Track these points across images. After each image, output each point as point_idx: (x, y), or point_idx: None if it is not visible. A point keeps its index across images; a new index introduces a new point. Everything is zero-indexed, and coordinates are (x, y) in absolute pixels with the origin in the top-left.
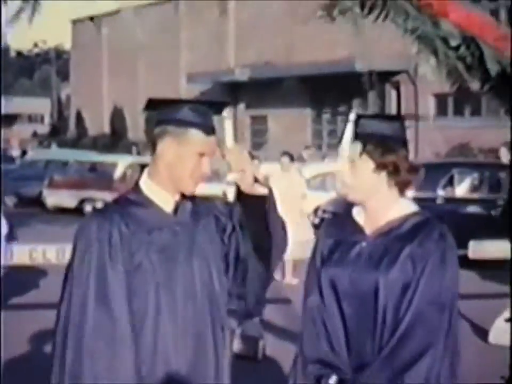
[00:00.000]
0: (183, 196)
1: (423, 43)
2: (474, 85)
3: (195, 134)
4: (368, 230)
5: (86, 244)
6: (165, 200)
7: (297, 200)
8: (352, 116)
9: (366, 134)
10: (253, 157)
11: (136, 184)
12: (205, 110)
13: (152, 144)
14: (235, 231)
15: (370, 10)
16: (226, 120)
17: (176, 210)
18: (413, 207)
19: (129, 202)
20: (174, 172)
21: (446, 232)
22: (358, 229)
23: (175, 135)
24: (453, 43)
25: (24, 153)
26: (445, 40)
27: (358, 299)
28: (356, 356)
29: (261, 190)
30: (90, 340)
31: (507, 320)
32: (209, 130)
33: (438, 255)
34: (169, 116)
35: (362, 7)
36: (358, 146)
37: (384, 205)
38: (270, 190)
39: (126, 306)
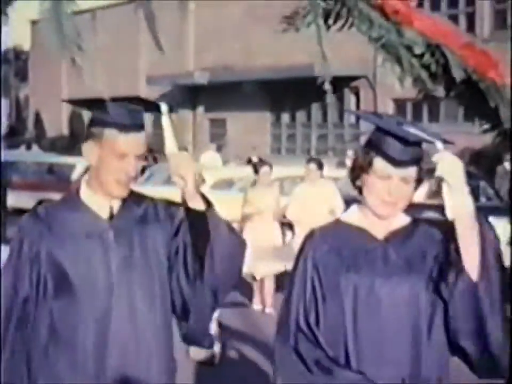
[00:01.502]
0: (125, 200)
1: (388, 51)
2: (438, 92)
3: (111, 133)
4: (380, 236)
5: (11, 249)
6: (100, 205)
7: (322, 216)
8: (439, 145)
9: (420, 157)
10: (263, 162)
11: (77, 189)
12: (122, 107)
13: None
14: (182, 245)
15: (336, 20)
16: (163, 119)
17: (112, 216)
18: (407, 217)
19: (64, 206)
20: (100, 176)
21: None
22: (367, 235)
23: (94, 136)
24: (417, 51)
25: None
26: (409, 48)
27: (391, 306)
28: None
29: (200, 205)
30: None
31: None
32: (127, 127)
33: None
34: (91, 117)
35: (327, 17)
36: (416, 169)
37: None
38: (211, 207)
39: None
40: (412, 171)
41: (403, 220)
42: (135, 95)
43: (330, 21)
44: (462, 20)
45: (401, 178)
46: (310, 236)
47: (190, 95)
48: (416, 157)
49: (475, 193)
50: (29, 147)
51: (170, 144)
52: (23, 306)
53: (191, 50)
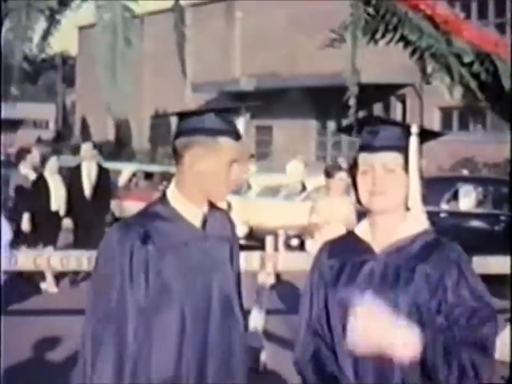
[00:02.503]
0: (210, 206)
1: (437, 61)
2: (485, 102)
3: (225, 142)
4: (377, 248)
5: (107, 258)
6: (193, 214)
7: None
8: (414, 128)
9: (404, 145)
10: (338, 167)
11: (163, 195)
12: (229, 116)
13: (176, 156)
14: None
15: (384, 33)
16: (412, 138)
17: (204, 224)
18: (421, 225)
19: (156, 214)
20: (206, 182)
21: (462, 252)
22: (365, 247)
23: (204, 144)
24: (467, 59)
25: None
26: (459, 57)
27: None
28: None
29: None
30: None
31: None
32: (237, 136)
33: (461, 274)
34: (197, 126)
35: (376, 29)
36: (399, 156)
37: (395, 220)
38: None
39: (134, 327)
40: (393, 157)
41: (410, 229)
42: (181, 102)
43: (378, 35)
44: (509, 29)
45: (383, 166)
46: (321, 248)
47: (235, 102)
48: (394, 144)
49: None
50: (74, 153)
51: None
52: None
53: (237, 57)
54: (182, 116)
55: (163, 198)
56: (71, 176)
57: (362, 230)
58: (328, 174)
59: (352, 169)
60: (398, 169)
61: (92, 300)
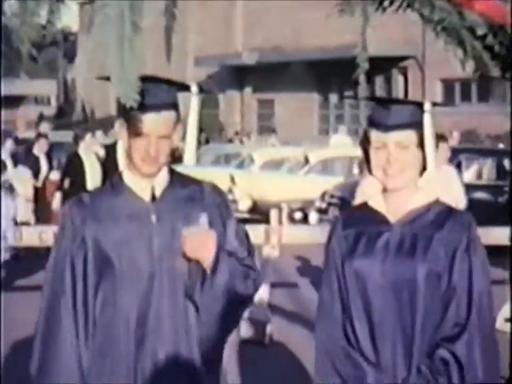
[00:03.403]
0: (170, 181)
1: (449, 34)
2: (495, 72)
3: (133, 113)
4: (392, 219)
5: (63, 232)
6: (142, 187)
7: None
8: (427, 106)
9: (417, 121)
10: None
11: (120, 172)
12: (149, 86)
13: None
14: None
15: (392, 2)
16: (192, 100)
17: (154, 197)
18: (433, 194)
19: (108, 190)
20: (130, 156)
21: (473, 220)
22: (380, 218)
23: (121, 117)
24: (480, 32)
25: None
26: (471, 30)
27: (391, 290)
28: (384, 350)
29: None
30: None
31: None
32: (145, 107)
33: (471, 241)
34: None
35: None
36: (413, 133)
37: (408, 192)
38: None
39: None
40: (407, 135)
41: (423, 199)
42: (183, 76)
43: (387, 2)
44: None
45: (397, 144)
46: (334, 222)
47: (237, 76)
48: (408, 121)
49: None
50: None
51: (190, 126)
52: (71, 289)
53: (239, 31)
54: None
55: (118, 175)
56: (107, 154)
57: (377, 202)
58: None
59: (364, 143)
60: (411, 146)
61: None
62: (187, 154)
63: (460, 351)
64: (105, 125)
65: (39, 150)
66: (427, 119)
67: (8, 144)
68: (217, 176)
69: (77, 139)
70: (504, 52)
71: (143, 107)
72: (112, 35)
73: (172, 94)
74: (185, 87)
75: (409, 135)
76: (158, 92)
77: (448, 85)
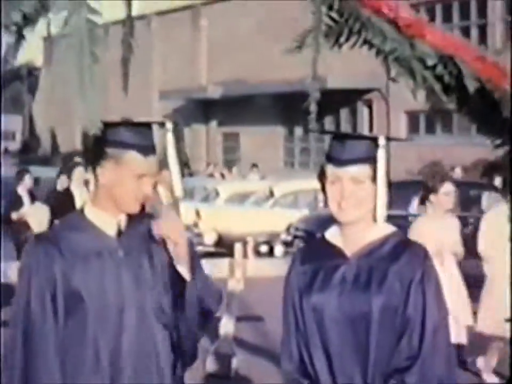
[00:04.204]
0: (131, 216)
1: (401, 65)
2: (451, 105)
3: (133, 156)
4: (348, 252)
5: (19, 272)
6: (107, 223)
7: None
8: (381, 140)
9: (372, 156)
10: (445, 176)
11: (81, 208)
12: (143, 130)
13: (92, 167)
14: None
15: (348, 37)
16: (168, 136)
17: (120, 233)
18: (390, 227)
19: (70, 225)
20: (114, 195)
21: (427, 251)
22: (337, 252)
23: (112, 157)
24: (430, 62)
25: None
26: (422, 61)
27: (347, 323)
28: (342, 382)
29: (185, 275)
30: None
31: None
32: (148, 151)
33: (425, 273)
34: (107, 138)
35: (340, 33)
36: (367, 168)
37: (364, 225)
38: (194, 279)
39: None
40: (361, 170)
41: (379, 232)
42: (148, 110)
43: (342, 39)
44: (474, 32)
45: (351, 178)
46: (293, 257)
47: (203, 109)
48: (362, 156)
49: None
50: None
51: (172, 161)
52: (33, 327)
53: (204, 65)
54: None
55: (79, 211)
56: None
57: (333, 235)
58: (430, 189)
59: (321, 176)
60: (366, 180)
61: (11, 312)
62: (176, 188)
63: (411, 381)
64: (67, 160)
65: (23, 187)
66: (381, 154)
67: (27, 180)
68: (183, 209)
69: (63, 174)
70: (454, 82)
71: (146, 150)
72: (72, 66)
73: (152, 136)
74: (161, 124)
75: (363, 170)
76: (150, 134)
77: (413, 117)
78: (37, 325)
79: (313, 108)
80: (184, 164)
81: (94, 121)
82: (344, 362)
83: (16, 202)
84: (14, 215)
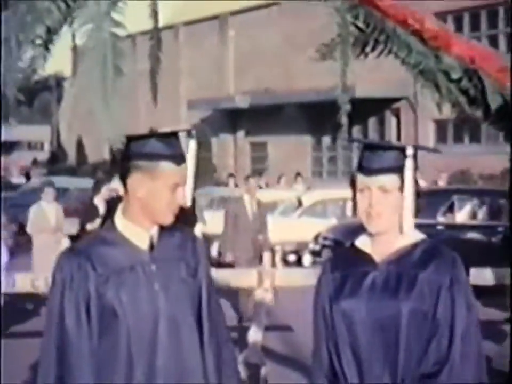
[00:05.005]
0: (162, 228)
1: (426, 77)
2: (477, 115)
3: (166, 166)
4: (378, 259)
5: (51, 285)
6: (140, 237)
7: None
8: (410, 151)
9: (400, 166)
10: None
11: (111, 221)
12: (172, 140)
13: (122, 180)
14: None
15: (374, 46)
16: (190, 142)
17: (152, 246)
18: (419, 235)
19: (102, 240)
20: (149, 207)
21: (458, 258)
22: (367, 259)
23: (145, 169)
24: (454, 76)
25: (28, 178)
26: (447, 74)
27: (376, 329)
28: None
29: None
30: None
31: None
32: (180, 160)
33: (455, 280)
34: (138, 150)
35: (366, 43)
36: (395, 177)
37: (394, 233)
38: None
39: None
40: (389, 179)
41: (408, 239)
42: (176, 120)
43: (368, 49)
44: (502, 40)
45: (379, 188)
46: (324, 265)
47: (230, 119)
48: (391, 165)
49: None
50: (72, 174)
51: (189, 171)
52: (68, 341)
53: (231, 74)
54: (126, 140)
55: (111, 224)
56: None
57: (363, 242)
58: None
59: (352, 185)
60: (394, 190)
61: (45, 325)
62: (187, 196)
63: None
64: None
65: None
66: (408, 164)
67: (104, 191)
68: (211, 219)
69: (97, 187)
70: (480, 95)
71: (179, 160)
72: (96, 79)
73: (180, 144)
74: (189, 133)
75: (391, 179)
76: (179, 143)
77: (441, 126)
78: (71, 339)
79: (344, 120)
80: (213, 174)
81: (117, 136)
82: (373, 367)
83: (92, 213)
84: (89, 226)
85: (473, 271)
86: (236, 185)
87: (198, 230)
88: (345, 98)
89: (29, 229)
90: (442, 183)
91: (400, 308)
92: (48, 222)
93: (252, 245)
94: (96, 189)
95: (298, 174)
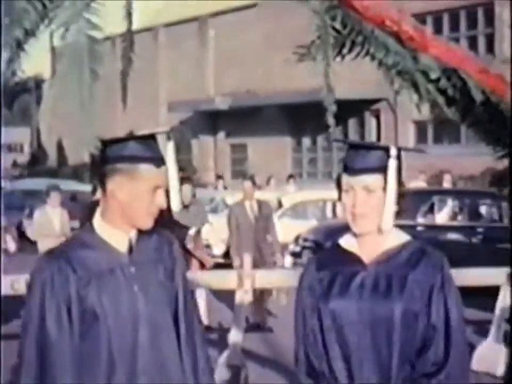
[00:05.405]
0: (140, 230)
1: (404, 78)
2: (455, 116)
3: (146, 169)
4: (366, 259)
5: (29, 289)
6: (119, 240)
7: None
8: (393, 151)
9: (384, 166)
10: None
11: (90, 224)
12: (151, 142)
13: (101, 183)
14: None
15: (351, 48)
16: (168, 144)
17: (131, 249)
18: (405, 236)
19: (80, 242)
20: (129, 210)
21: (445, 258)
22: (354, 259)
23: (125, 172)
24: (433, 76)
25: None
26: (425, 74)
27: (367, 329)
28: None
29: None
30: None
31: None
32: (159, 162)
33: (445, 280)
34: (117, 153)
35: (343, 45)
36: (379, 177)
37: (380, 234)
38: None
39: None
40: (373, 179)
41: (396, 240)
42: (156, 121)
43: (345, 50)
44: (481, 41)
45: (363, 188)
46: (307, 264)
47: (211, 121)
48: (375, 165)
49: (499, 214)
50: (52, 176)
51: (172, 173)
52: (49, 343)
53: (212, 76)
54: (104, 143)
55: (89, 226)
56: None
57: (349, 242)
58: None
59: (338, 186)
60: (378, 190)
61: (22, 327)
62: (173, 200)
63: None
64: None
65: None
66: (391, 164)
67: None
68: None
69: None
70: (458, 95)
71: (160, 162)
72: (73, 82)
73: (158, 146)
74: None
75: (375, 179)
76: (156, 146)
77: (420, 127)
78: (53, 341)
79: (331, 121)
80: (191, 175)
81: (92, 141)
82: (364, 367)
83: (93, 215)
84: None
85: (453, 272)
86: (225, 188)
87: (205, 231)
88: (331, 99)
89: (31, 234)
90: (422, 184)
91: (392, 308)
92: (53, 228)
93: (257, 248)
94: (96, 191)
95: (290, 176)
